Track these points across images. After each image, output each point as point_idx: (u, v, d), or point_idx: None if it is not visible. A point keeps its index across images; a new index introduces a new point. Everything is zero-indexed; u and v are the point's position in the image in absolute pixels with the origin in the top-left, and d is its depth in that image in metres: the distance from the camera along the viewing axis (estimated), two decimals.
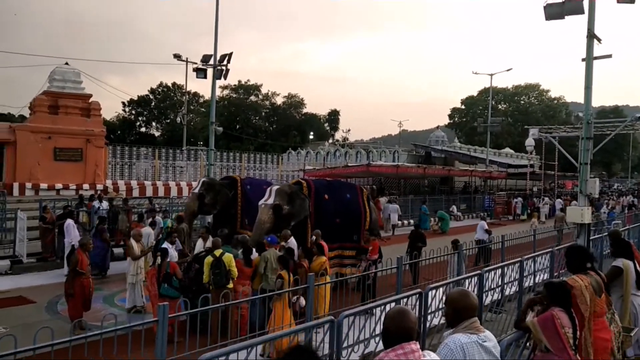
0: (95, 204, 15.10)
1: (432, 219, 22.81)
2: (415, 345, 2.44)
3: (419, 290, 5.86)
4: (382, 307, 5.52)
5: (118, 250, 13.25)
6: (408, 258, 9.57)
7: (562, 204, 28.72)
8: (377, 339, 5.85)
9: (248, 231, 10.97)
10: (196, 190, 11.96)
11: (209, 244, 9.33)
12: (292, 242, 9.02)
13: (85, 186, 21.41)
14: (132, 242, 9.20)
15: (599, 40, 11.21)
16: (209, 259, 7.69)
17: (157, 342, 4.47)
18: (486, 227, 13.84)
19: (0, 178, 20.77)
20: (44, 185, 20.81)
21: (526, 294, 8.33)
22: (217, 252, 7.74)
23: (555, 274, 9.17)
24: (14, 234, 13.09)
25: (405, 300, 5.79)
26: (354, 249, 10.44)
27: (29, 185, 20.61)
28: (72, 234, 11.21)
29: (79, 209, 14.25)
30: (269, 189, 9.96)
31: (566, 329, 3.68)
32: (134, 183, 24.32)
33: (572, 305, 3.90)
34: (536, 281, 9.11)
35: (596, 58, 11.22)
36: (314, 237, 9.36)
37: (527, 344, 4.25)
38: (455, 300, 2.93)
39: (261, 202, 9.68)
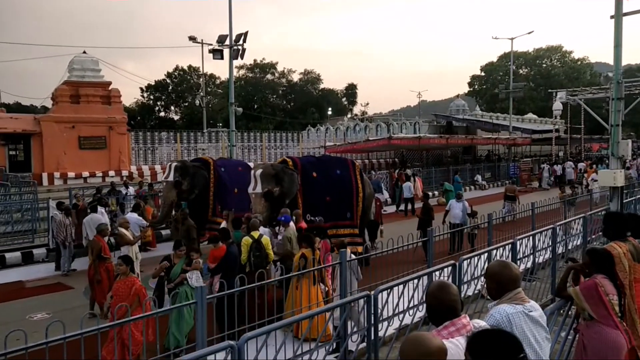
0: (122, 190, 15.48)
1: (435, 192, 22.48)
2: (465, 319, 2.42)
3: (452, 261, 5.83)
4: (416, 280, 5.53)
5: None
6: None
7: (583, 168, 27.93)
8: (412, 311, 5.88)
9: (219, 218, 10.48)
10: (170, 178, 10.98)
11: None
12: (292, 226, 8.55)
13: (111, 173, 21.81)
14: (122, 230, 9.06)
15: None
16: (247, 240, 7.68)
17: (197, 323, 4.57)
18: (469, 209, 11.77)
19: (29, 169, 21.27)
20: (71, 174, 21.25)
21: (559, 260, 8.24)
22: (255, 234, 7.75)
23: (588, 239, 9.03)
24: (48, 223, 13.43)
25: (437, 273, 5.76)
26: (349, 227, 10.12)
27: (57, 174, 21.08)
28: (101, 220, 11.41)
29: (110, 196, 14.57)
30: (252, 174, 9.53)
31: (610, 296, 3.61)
32: (157, 168, 24.61)
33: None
34: (569, 247, 9.00)
35: (626, 14, 10.78)
36: (293, 218, 8.88)
37: (570, 312, 4.19)
38: (497, 274, 2.89)
39: (250, 190, 9.44)
